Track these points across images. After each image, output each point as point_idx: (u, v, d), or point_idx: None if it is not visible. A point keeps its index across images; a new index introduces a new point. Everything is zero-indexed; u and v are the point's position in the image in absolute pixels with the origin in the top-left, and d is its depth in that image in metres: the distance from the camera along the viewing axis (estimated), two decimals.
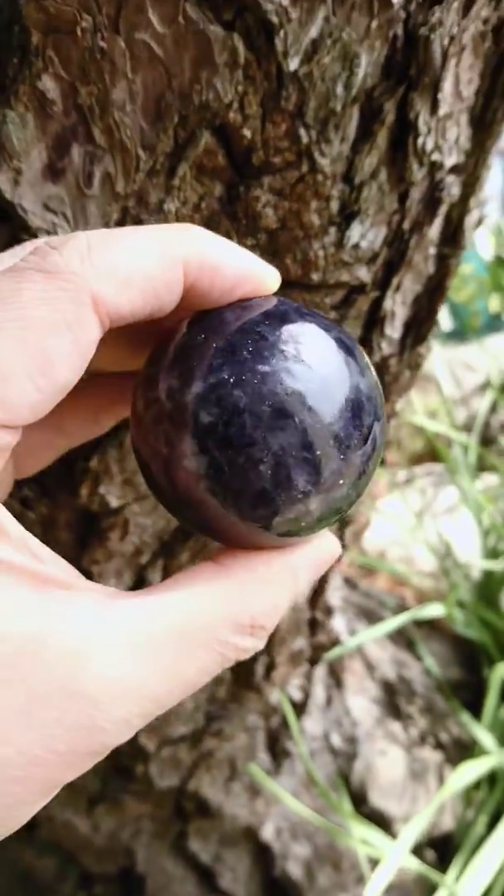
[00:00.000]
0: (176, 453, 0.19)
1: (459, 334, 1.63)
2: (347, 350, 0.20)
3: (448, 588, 0.93)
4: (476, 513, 0.91)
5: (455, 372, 1.50)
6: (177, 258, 0.19)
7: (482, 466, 1.15)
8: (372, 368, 0.21)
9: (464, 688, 0.86)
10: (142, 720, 0.17)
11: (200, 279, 0.19)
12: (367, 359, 0.21)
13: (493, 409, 1.23)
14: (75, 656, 0.16)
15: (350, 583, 0.96)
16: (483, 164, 0.33)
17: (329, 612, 0.56)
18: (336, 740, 0.67)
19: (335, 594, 0.63)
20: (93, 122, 0.23)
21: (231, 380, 0.18)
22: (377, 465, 0.21)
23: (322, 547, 0.22)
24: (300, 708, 0.59)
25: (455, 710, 0.76)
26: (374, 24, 0.25)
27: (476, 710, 0.76)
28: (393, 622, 0.72)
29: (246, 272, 0.20)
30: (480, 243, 1.47)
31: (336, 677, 0.68)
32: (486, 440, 1.27)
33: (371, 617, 0.89)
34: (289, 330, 0.19)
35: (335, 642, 0.61)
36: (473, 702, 0.80)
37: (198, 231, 0.20)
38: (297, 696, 0.57)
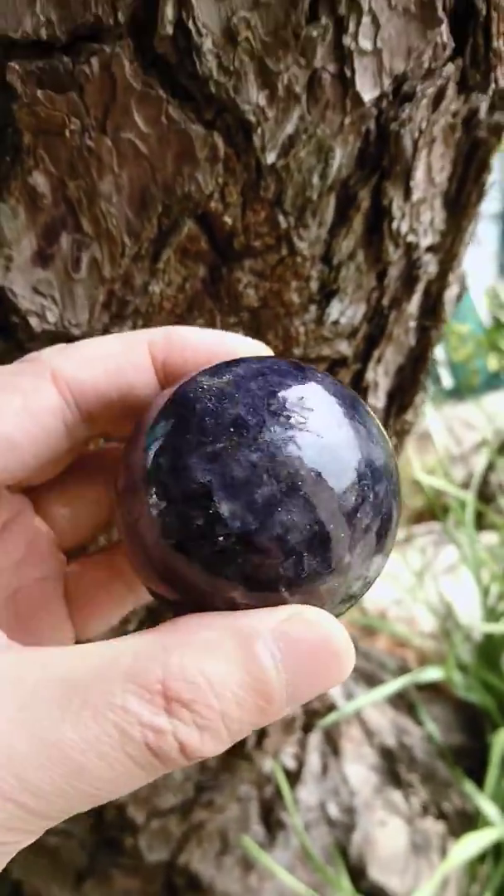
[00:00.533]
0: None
1: (458, 392, 1.65)
2: (355, 412, 0.18)
3: (449, 649, 0.92)
4: (476, 572, 0.91)
5: (454, 430, 1.52)
6: (139, 339, 0.20)
7: (482, 525, 1.15)
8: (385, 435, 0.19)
9: (466, 754, 0.84)
10: (11, 819, 0.13)
11: (172, 355, 0.20)
12: (378, 423, 0.19)
13: (492, 467, 1.23)
14: None
15: None
16: (460, 242, 0.34)
17: None
18: (333, 810, 0.65)
19: None
20: (81, 213, 0.25)
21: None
22: (392, 543, 0.19)
23: (300, 617, 0.16)
24: (294, 777, 0.58)
25: (458, 778, 0.74)
26: (347, 120, 0.26)
27: (480, 778, 0.74)
28: (391, 686, 0.71)
29: (218, 341, 0.21)
30: (478, 303, 1.50)
31: (332, 744, 0.66)
32: (486, 498, 1.27)
33: (371, 680, 0.87)
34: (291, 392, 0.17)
35: (330, 708, 0.60)
36: (477, 768, 0.78)
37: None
38: (290, 764, 0.56)
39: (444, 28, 0.26)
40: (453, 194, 0.32)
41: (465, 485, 1.32)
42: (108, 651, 0.15)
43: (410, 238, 0.30)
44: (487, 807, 0.66)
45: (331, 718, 0.61)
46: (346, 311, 0.31)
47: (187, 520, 0.16)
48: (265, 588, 0.16)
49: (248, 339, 0.21)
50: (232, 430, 0.16)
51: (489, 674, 0.84)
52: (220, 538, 0.16)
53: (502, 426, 1.44)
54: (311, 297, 0.30)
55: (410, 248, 0.31)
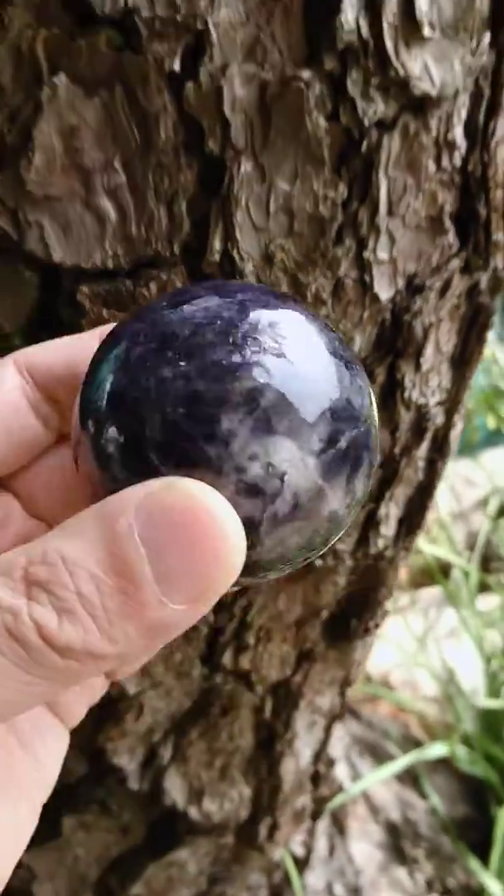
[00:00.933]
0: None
1: (458, 449, 1.68)
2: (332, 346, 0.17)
3: (452, 717, 0.93)
4: (478, 641, 0.93)
5: (455, 487, 1.54)
6: (92, 331, 0.22)
7: (484, 586, 1.17)
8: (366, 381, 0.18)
9: (471, 826, 0.85)
10: None
11: None
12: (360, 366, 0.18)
13: (493, 528, 1.26)
14: None
15: (353, 711, 0.96)
16: (464, 390, 0.38)
17: (331, 763, 0.58)
18: (339, 891, 0.67)
19: (337, 745, 0.64)
20: None
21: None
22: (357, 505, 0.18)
23: (171, 486, 0.14)
24: (303, 862, 0.59)
25: (462, 853, 0.75)
26: (366, 314, 0.30)
27: (485, 851, 0.75)
28: (397, 765, 0.73)
29: None
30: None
31: (339, 824, 0.68)
32: (486, 558, 1.29)
33: (374, 751, 0.89)
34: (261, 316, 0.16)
35: (337, 791, 0.61)
36: (481, 841, 0.79)
37: None
38: (299, 851, 0.58)
39: (451, 233, 0.30)
40: (458, 355, 0.35)
41: (467, 544, 1.34)
42: None
43: (420, 401, 0.34)
44: (492, 883, 0.67)
45: (338, 800, 0.63)
46: None
47: (116, 438, 0.16)
48: None
49: None
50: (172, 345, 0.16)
51: (493, 746, 0.86)
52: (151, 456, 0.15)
53: (502, 483, 1.46)
54: None
55: (420, 408, 0.34)
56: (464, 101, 0.28)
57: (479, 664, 0.97)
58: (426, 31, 0.25)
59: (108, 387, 0.16)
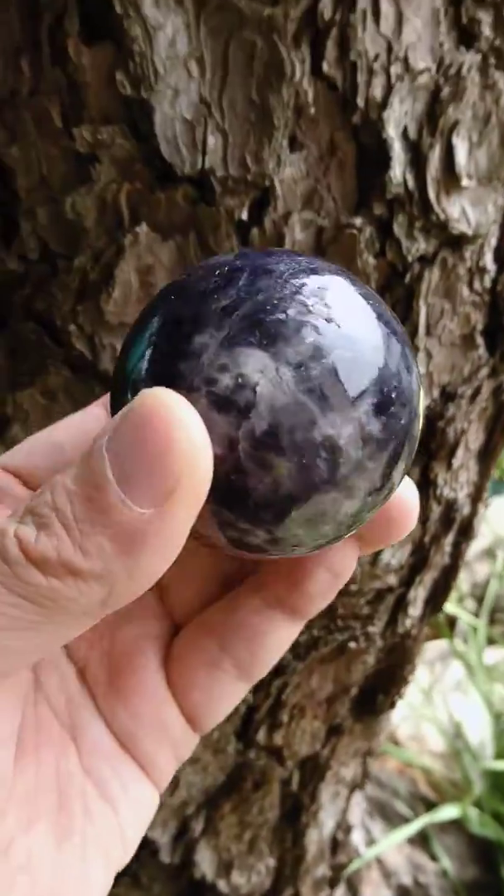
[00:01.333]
0: None
1: None
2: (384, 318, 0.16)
3: (460, 775, 0.93)
4: (485, 697, 0.94)
5: None
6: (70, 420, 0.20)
7: (491, 639, 1.17)
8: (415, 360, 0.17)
9: (482, 888, 0.85)
10: None
11: None
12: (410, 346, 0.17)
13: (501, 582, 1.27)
14: None
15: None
16: (487, 478, 0.40)
17: (349, 830, 0.58)
18: None
19: (356, 810, 0.64)
20: None
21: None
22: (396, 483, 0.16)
23: (138, 398, 0.14)
24: None
25: None
26: None
27: None
28: (409, 829, 0.73)
29: None
30: None
31: (353, 890, 0.68)
32: (494, 608, 1.30)
33: (384, 811, 0.89)
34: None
35: (354, 858, 0.62)
36: None
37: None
38: None
39: (482, 347, 0.33)
40: (483, 449, 0.38)
41: (472, 595, 1.35)
42: None
43: (450, 496, 0.36)
44: None
45: (354, 866, 0.63)
46: (396, 554, 0.36)
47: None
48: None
49: None
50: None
51: (502, 805, 0.86)
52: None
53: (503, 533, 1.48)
54: None
55: (450, 502, 0.36)
56: (493, 231, 0.31)
57: (486, 717, 0.98)
58: (464, 182, 0.28)
59: (148, 354, 0.16)
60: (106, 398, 0.20)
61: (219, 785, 0.41)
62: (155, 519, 0.14)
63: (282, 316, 0.14)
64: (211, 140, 0.25)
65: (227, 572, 0.22)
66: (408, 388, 0.16)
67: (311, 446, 0.14)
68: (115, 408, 0.16)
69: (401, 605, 0.39)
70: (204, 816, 0.42)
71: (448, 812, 0.79)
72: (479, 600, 1.29)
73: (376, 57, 0.25)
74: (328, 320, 0.15)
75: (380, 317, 0.16)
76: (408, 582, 0.39)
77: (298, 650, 0.38)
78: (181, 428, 0.13)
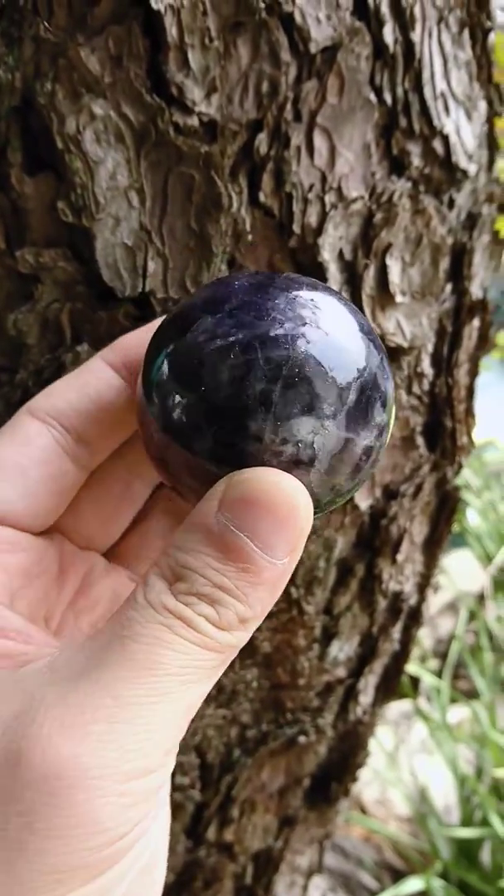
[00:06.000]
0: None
1: None
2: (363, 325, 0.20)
3: (427, 842, 0.92)
4: (450, 761, 0.93)
5: None
6: (93, 357, 0.23)
7: (454, 698, 1.17)
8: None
9: None
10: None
11: (128, 356, 0.23)
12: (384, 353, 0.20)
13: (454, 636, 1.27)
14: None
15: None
16: (434, 566, 0.41)
17: None
18: None
19: (314, 893, 0.63)
20: None
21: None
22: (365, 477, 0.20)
23: (235, 479, 0.18)
24: None
25: None
26: (347, 519, 0.33)
27: None
28: None
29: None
30: None
31: None
32: (457, 663, 1.30)
33: (349, 883, 0.87)
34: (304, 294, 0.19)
35: None
36: None
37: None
38: None
39: (422, 446, 0.34)
40: (429, 539, 0.39)
41: (435, 652, 1.35)
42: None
43: (396, 589, 0.36)
44: None
45: None
46: (344, 647, 0.36)
47: (174, 410, 0.19)
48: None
49: None
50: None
51: (468, 872, 0.85)
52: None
53: (465, 588, 1.49)
54: (315, 639, 0.35)
55: (396, 595, 0.37)
56: (430, 338, 0.32)
57: (451, 779, 0.97)
58: (398, 298, 0.29)
59: (166, 366, 0.19)
60: (103, 355, 0.23)
61: (168, 885, 0.39)
62: (291, 562, 0.18)
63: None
64: (151, 265, 0.26)
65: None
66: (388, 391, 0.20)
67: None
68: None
69: (351, 694, 0.39)
70: None
71: (413, 884, 0.78)
72: (443, 656, 1.29)
73: (311, 187, 0.27)
74: None
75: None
76: (357, 672, 0.39)
77: (247, 745, 0.37)
78: (304, 501, 0.18)
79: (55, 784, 0.15)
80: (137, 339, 0.23)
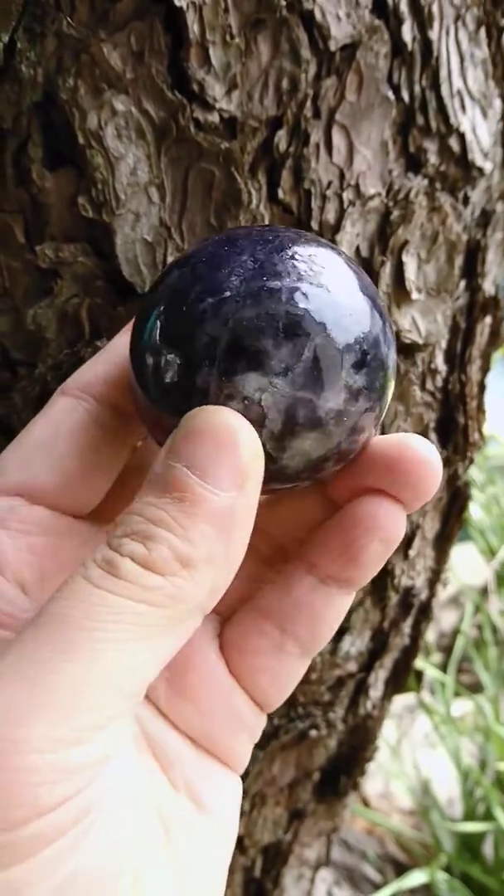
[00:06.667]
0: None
1: None
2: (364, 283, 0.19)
3: (429, 835, 0.92)
4: (454, 755, 0.93)
5: None
6: (120, 333, 0.22)
7: (458, 692, 1.17)
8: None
9: None
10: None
11: None
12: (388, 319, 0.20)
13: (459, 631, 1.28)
14: None
15: None
16: (445, 560, 0.41)
17: None
18: None
19: (320, 886, 0.63)
20: None
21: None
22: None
23: (185, 420, 0.18)
24: None
25: None
26: None
27: None
28: None
29: None
30: None
31: None
32: (462, 658, 1.31)
33: (352, 876, 0.87)
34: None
35: None
36: None
37: None
38: None
39: (435, 443, 0.34)
40: (440, 534, 0.39)
41: (438, 646, 1.36)
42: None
43: (408, 584, 0.36)
44: None
45: None
46: (356, 642, 0.36)
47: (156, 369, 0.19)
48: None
49: None
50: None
51: (471, 865, 0.85)
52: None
53: (468, 582, 1.49)
54: None
55: (408, 590, 0.37)
56: (444, 334, 0.33)
57: (454, 773, 0.97)
58: (414, 295, 0.29)
59: (158, 324, 0.19)
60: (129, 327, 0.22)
61: None
62: (240, 498, 0.17)
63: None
64: (171, 260, 0.26)
65: (252, 572, 0.23)
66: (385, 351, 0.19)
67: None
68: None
69: (361, 688, 0.40)
70: None
71: (416, 878, 0.78)
72: (446, 650, 1.29)
73: (329, 184, 0.27)
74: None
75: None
76: (368, 666, 0.39)
77: (259, 739, 0.37)
78: (245, 429, 0.17)
79: None
80: None
